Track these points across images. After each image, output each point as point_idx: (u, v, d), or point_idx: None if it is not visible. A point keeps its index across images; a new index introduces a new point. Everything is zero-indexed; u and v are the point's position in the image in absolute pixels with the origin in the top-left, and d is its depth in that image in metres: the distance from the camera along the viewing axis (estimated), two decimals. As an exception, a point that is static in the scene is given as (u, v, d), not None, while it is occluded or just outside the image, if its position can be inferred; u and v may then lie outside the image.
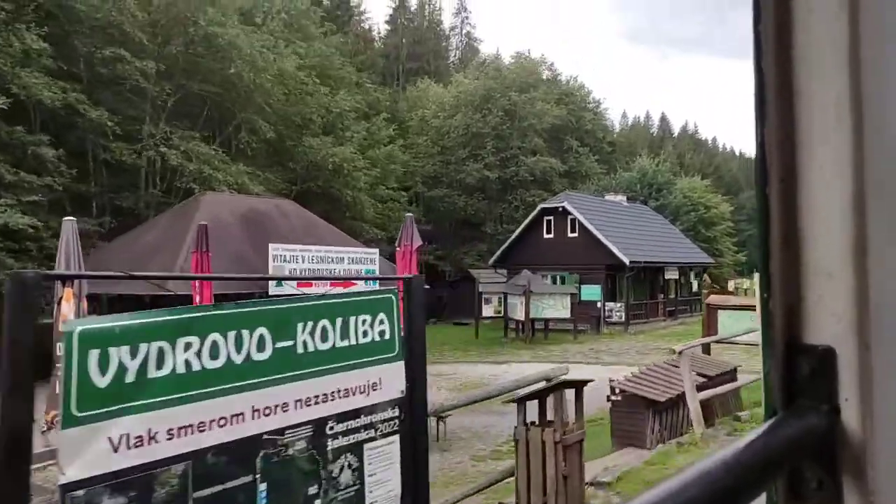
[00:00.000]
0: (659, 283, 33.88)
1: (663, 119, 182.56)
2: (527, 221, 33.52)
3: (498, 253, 34.34)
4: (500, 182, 45.89)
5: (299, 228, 19.90)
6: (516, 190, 45.66)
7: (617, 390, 9.30)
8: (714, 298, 13.93)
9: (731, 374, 11.60)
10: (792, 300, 0.75)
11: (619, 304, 30.31)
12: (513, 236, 33.93)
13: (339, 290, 4.31)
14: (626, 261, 29.57)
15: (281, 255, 17.06)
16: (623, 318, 30.10)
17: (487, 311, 27.05)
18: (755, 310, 13.93)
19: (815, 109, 0.74)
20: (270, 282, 16.94)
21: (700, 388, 10.14)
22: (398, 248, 12.04)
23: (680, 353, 8.57)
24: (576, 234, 31.71)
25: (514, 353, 23.30)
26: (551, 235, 32.68)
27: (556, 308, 26.48)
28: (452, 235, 47.20)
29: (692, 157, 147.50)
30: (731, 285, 44.55)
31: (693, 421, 8.32)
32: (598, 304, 30.61)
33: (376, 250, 19.95)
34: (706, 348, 14.09)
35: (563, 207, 31.62)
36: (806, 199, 0.74)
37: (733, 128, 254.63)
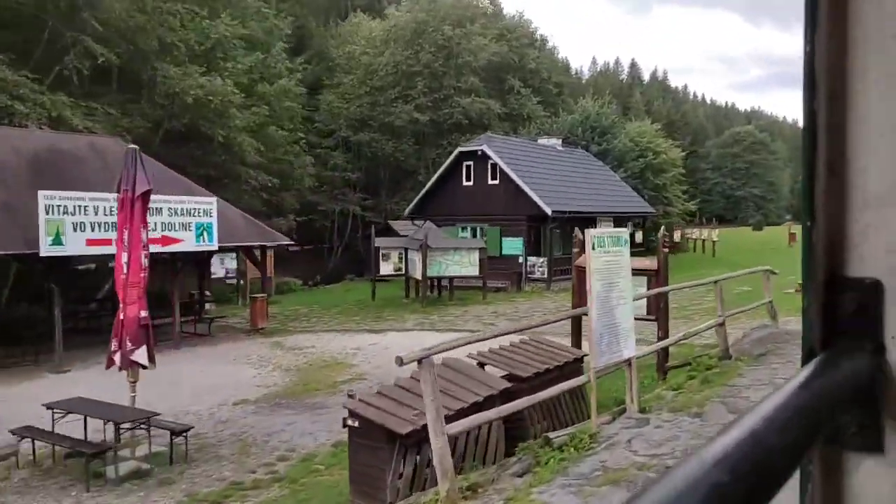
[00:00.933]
0: (592, 235, 30.68)
1: (633, 66, 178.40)
2: (444, 167, 29.99)
3: (414, 202, 30.89)
4: (433, 125, 42.09)
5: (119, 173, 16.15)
6: (451, 134, 41.89)
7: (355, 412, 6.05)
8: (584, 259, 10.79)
9: (572, 366, 8.46)
10: (836, 230, 0.71)
11: (542, 259, 27.18)
12: (429, 183, 30.43)
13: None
14: (549, 211, 26.32)
15: (58, 206, 13.41)
16: (546, 275, 27.01)
17: (386, 268, 23.76)
18: (646, 274, 10.82)
19: (870, 16, 0.68)
20: (46, 240, 13.35)
21: (507, 394, 6.93)
22: (118, 195, 8.54)
23: (417, 363, 5.21)
24: (496, 182, 28.31)
25: (401, 318, 20.12)
26: (471, 183, 29.25)
27: (462, 265, 23.25)
28: (385, 183, 43.60)
29: (660, 104, 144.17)
30: (676, 236, 41.69)
31: (438, 473, 5.09)
32: (520, 259, 27.49)
33: (213, 199, 16.42)
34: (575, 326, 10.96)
35: (482, 151, 28.10)
36: (855, 119, 0.69)
37: (704, 76, 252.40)
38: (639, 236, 39.72)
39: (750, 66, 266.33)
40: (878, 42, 0.67)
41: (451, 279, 23.49)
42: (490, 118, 43.15)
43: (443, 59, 42.26)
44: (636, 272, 10.54)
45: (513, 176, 27.26)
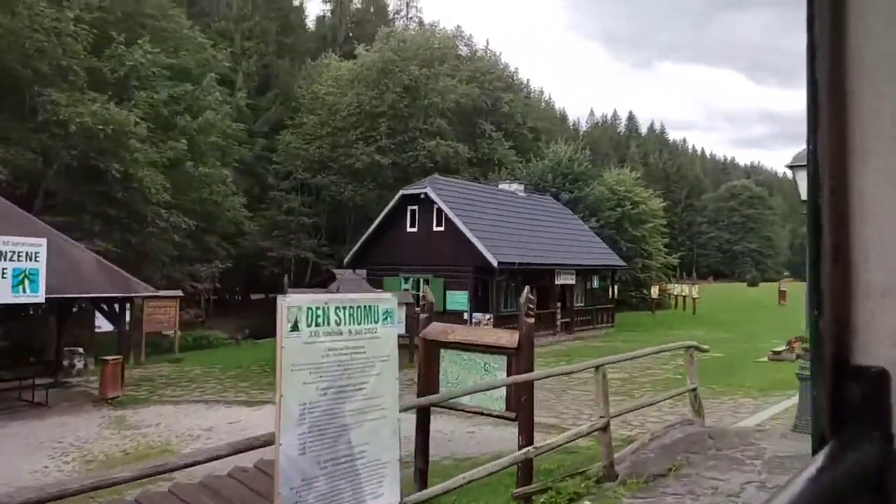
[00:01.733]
0: (552, 289, 27.83)
1: (631, 118, 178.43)
2: (386, 211, 27.30)
3: (354, 249, 28.09)
4: (397, 169, 39.61)
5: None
6: (415, 178, 39.29)
7: None
8: (435, 329, 7.82)
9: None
10: (842, 319, 0.72)
11: (488, 317, 24.21)
12: (370, 229, 27.67)
13: None
14: (494, 262, 23.47)
15: None
16: (491, 334, 24.02)
17: (300, 324, 20.97)
18: (505, 353, 7.69)
19: (870, 117, 0.71)
20: None
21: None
22: None
23: None
24: (441, 228, 25.56)
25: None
26: (415, 229, 26.51)
27: (386, 322, 20.28)
28: (350, 229, 40.95)
29: (656, 156, 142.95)
30: (654, 291, 38.72)
31: None
32: (465, 315, 24.52)
33: (41, 241, 13.58)
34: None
35: (425, 194, 25.44)
36: (859, 211, 0.71)
37: (703, 131, 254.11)
38: (615, 291, 36.83)
39: (752, 122, 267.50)
40: (877, 139, 0.69)
41: (372, 338, 20.51)
42: (458, 162, 40.76)
43: (409, 100, 40.09)
44: (491, 350, 7.64)
45: (457, 222, 24.53)
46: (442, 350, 8.02)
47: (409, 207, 26.53)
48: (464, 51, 47.91)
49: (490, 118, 44.51)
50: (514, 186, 31.70)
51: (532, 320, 7.41)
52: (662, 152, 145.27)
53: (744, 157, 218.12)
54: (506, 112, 44.74)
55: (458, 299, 24.84)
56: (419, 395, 8.14)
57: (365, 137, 39.37)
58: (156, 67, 24.18)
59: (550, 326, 27.39)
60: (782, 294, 46.01)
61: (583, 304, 30.72)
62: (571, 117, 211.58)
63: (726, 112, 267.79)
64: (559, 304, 28.51)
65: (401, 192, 26.95)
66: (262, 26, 44.56)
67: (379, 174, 39.17)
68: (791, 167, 8.97)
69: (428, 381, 8.09)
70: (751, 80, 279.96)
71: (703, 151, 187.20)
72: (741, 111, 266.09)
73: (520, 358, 7.34)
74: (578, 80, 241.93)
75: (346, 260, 28.34)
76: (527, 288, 8.32)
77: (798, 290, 65.47)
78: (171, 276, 24.96)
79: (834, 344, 0.71)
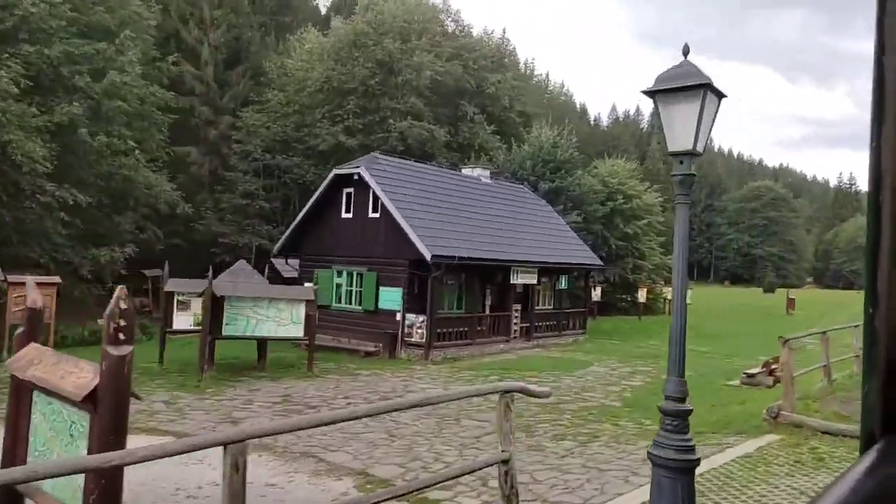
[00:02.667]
0: (512, 288, 24.31)
1: (654, 114, 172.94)
2: (318, 192, 23.94)
3: (285, 236, 24.81)
4: (366, 151, 36.18)
5: None
6: (386, 162, 36.05)
7: None
8: (25, 356, 4.55)
9: None
10: None
11: (422, 318, 20.77)
12: (302, 212, 24.35)
13: None
14: (428, 255, 20.00)
15: None
16: (424, 339, 20.56)
17: (184, 320, 17.62)
18: (78, 405, 4.34)
19: None
20: None
21: None
22: None
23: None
24: (377, 215, 22.18)
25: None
26: (350, 215, 23.14)
27: (281, 322, 16.98)
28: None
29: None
30: (641, 295, 34.94)
31: None
32: (398, 317, 21.16)
33: None
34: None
35: (359, 175, 22.05)
36: None
37: (728, 128, 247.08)
38: (596, 293, 33.19)
39: (785, 124, 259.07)
40: None
41: (262, 341, 17.21)
42: (434, 146, 37.31)
43: (382, 77, 36.70)
44: (68, 399, 4.28)
45: (390, 207, 21.09)
46: (34, 391, 4.66)
47: (345, 190, 23.18)
48: (450, 26, 44.29)
49: (475, 100, 40.94)
50: (478, 172, 28.14)
51: (129, 349, 3.98)
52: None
53: (773, 160, 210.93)
54: (492, 94, 41.10)
55: (391, 296, 21.46)
56: (2, 463, 4.80)
57: (332, 116, 36.09)
58: (55, 21, 21.06)
59: (504, 332, 23.88)
60: (790, 302, 41.82)
61: (551, 307, 27.15)
62: (592, 112, 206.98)
63: (759, 112, 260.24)
64: (519, 307, 24.98)
65: (334, 171, 23.61)
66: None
67: (346, 157, 35.83)
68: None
69: (15, 440, 4.74)
70: (786, 79, 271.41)
71: (729, 151, 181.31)
72: (774, 112, 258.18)
73: (101, 420, 3.95)
74: (608, 77, 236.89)
75: (276, 248, 25.09)
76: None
77: (813, 299, 60.70)
78: (69, 260, 21.92)
79: (889, 342, 0.70)
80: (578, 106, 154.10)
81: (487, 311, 24.15)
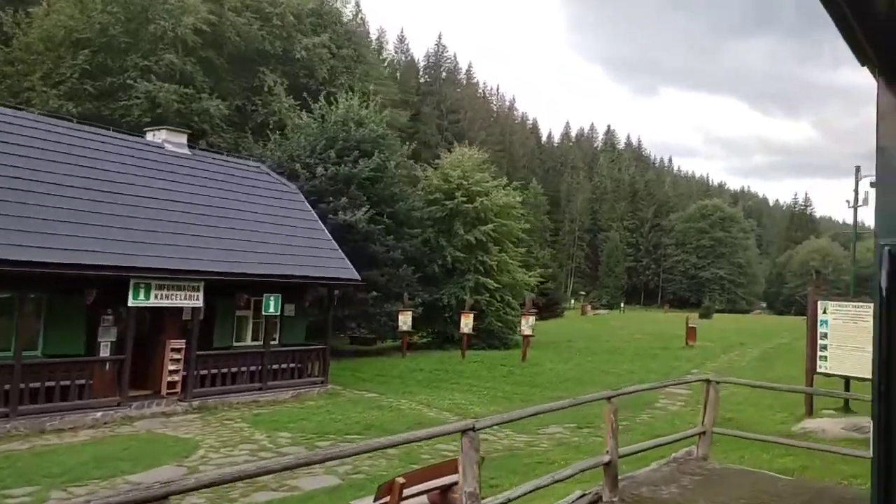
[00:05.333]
0: (164, 317, 14.59)
1: (609, 133, 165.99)
2: None
3: None
4: (102, 123, 26.66)
5: None
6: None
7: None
8: None
9: None
10: None
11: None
12: None
13: None
14: None
15: None
16: None
17: None
18: None
19: None
20: None
21: None
22: None
23: None
24: None
25: None
26: None
27: None
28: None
29: (621, 170, 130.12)
30: (464, 324, 25.31)
31: None
32: None
33: None
34: None
35: None
36: None
37: (704, 158, 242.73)
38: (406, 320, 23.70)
39: (753, 152, 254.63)
40: None
41: None
42: (206, 119, 27.65)
43: (125, 23, 27.12)
44: None
45: None
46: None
47: None
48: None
49: (282, 69, 31.49)
50: (164, 136, 18.42)
51: None
52: (628, 168, 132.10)
53: (735, 183, 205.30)
54: (304, 62, 31.61)
55: None
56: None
57: (48, 75, 26.37)
58: None
59: (151, 385, 14.13)
60: (690, 333, 32.64)
61: (258, 342, 17.45)
62: (544, 129, 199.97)
63: (726, 140, 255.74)
64: (185, 343, 15.26)
65: None
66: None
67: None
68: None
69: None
70: (755, 109, 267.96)
71: (679, 169, 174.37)
72: (742, 140, 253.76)
73: None
74: (574, 99, 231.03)
75: None
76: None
77: (741, 327, 51.91)
78: None
79: None
80: (525, 118, 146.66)
81: (106, 352, 14.38)
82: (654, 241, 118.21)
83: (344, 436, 12.43)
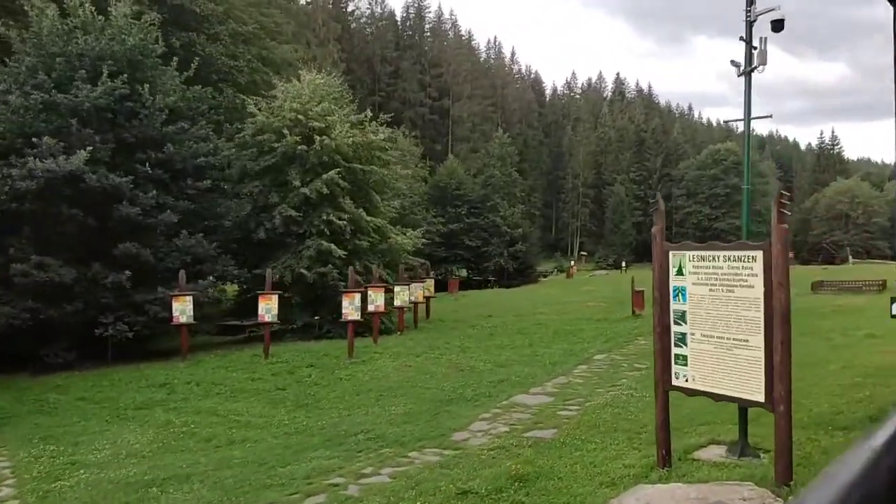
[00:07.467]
0: None
1: (618, 81, 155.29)
2: None
3: None
4: None
5: None
6: None
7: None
8: None
9: None
10: None
11: None
12: None
13: None
14: None
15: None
16: None
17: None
18: None
19: None
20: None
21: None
22: None
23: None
24: None
25: None
26: None
27: None
28: None
29: (626, 119, 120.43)
30: (263, 309, 18.01)
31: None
32: None
33: None
34: None
35: None
36: None
37: (734, 107, 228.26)
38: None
39: (787, 97, 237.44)
40: None
41: None
42: None
43: None
44: None
45: None
46: None
47: None
48: None
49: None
50: None
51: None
52: (635, 116, 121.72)
53: (763, 128, 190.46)
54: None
55: None
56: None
57: None
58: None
59: None
60: (637, 299, 24.91)
61: None
62: (547, 81, 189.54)
63: (759, 86, 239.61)
64: None
65: None
66: None
67: None
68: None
69: None
70: (787, 52, 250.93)
71: (709, 120, 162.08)
72: (774, 85, 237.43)
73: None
74: (596, 54, 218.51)
75: None
76: None
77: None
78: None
79: None
80: (528, 73, 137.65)
81: None
82: (664, 193, 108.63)
83: None
